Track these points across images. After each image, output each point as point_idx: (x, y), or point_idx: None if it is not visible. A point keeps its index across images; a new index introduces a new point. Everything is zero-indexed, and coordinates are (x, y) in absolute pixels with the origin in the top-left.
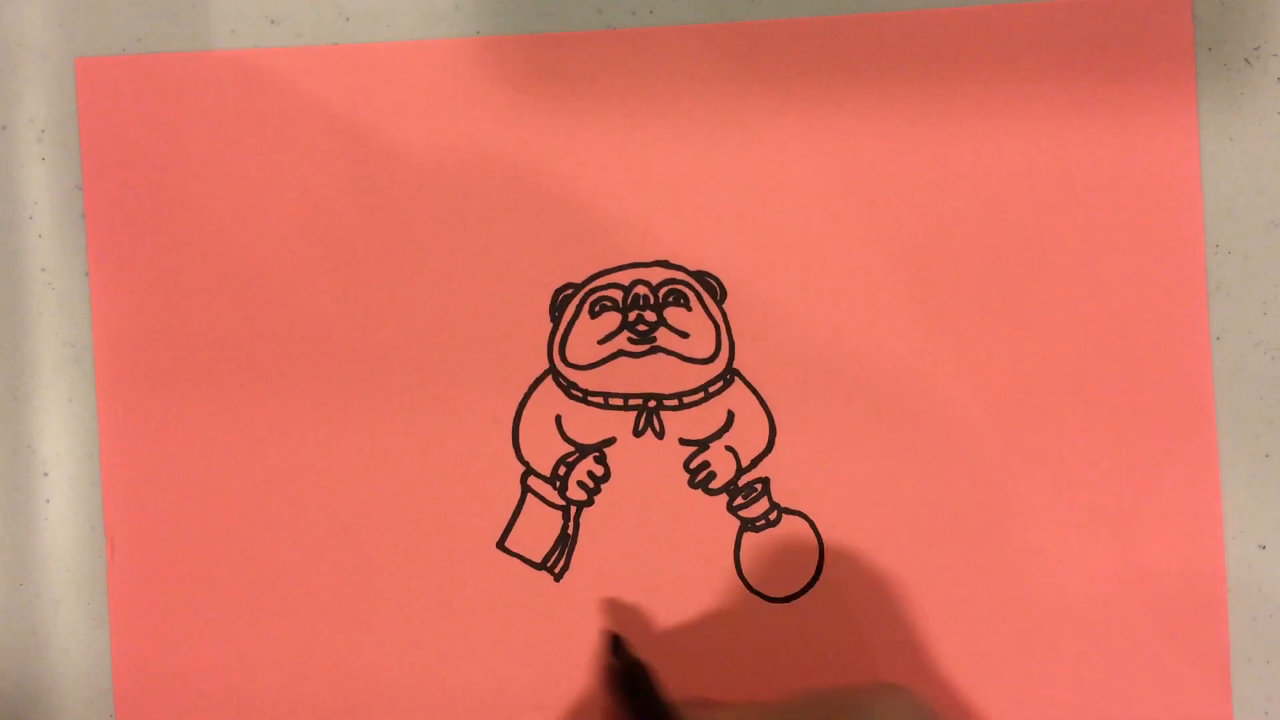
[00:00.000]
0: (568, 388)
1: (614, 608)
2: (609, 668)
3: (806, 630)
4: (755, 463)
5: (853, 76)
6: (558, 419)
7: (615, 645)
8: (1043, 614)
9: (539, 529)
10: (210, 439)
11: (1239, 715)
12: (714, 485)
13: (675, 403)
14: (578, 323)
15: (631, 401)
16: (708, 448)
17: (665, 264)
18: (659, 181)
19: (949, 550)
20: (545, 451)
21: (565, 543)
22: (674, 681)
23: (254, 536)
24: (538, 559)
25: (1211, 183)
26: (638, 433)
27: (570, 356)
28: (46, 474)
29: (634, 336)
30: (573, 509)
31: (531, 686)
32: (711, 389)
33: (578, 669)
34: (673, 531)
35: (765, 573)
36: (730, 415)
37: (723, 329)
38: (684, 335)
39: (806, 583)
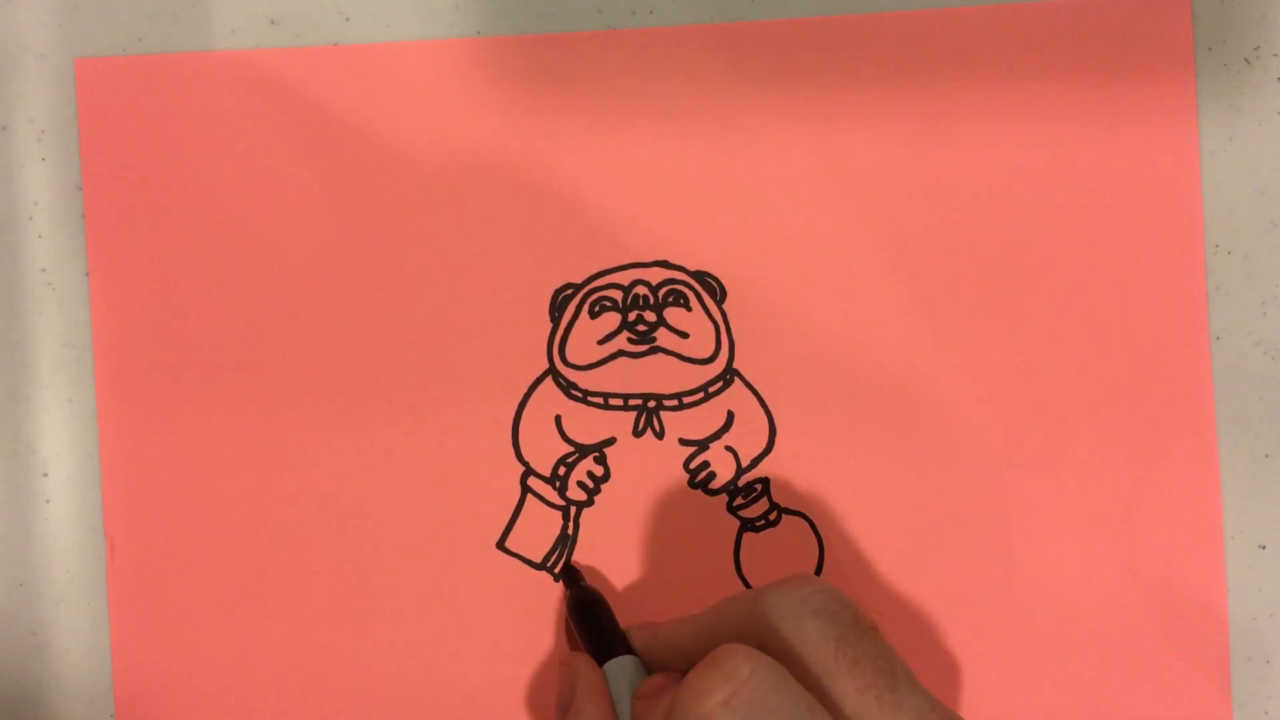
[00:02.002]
0: (567, 388)
1: (613, 607)
2: (567, 598)
3: None
4: (755, 463)
5: (853, 76)
6: (558, 419)
7: (570, 576)
8: (1042, 614)
9: (539, 529)
10: (210, 439)
11: (1239, 715)
12: (714, 485)
13: (675, 403)
14: (577, 323)
15: (631, 402)
16: (708, 448)
17: (665, 264)
18: (659, 181)
19: (949, 550)
20: (545, 452)
21: (565, 543)
22: None
23: (254, 536)
24: (538, 559)
25: (1211, 183)
26: (638, 433)
27: (570, 357)
28: (46, 474)
29: (634, 337)
30: (573, 509)
31: (531, 686)
32: (711, 389)
33: None
34: (673, 532)
35: (765, 573)
36: (730, 415)
37: (723, 329)
38: (684, 335)
39: None
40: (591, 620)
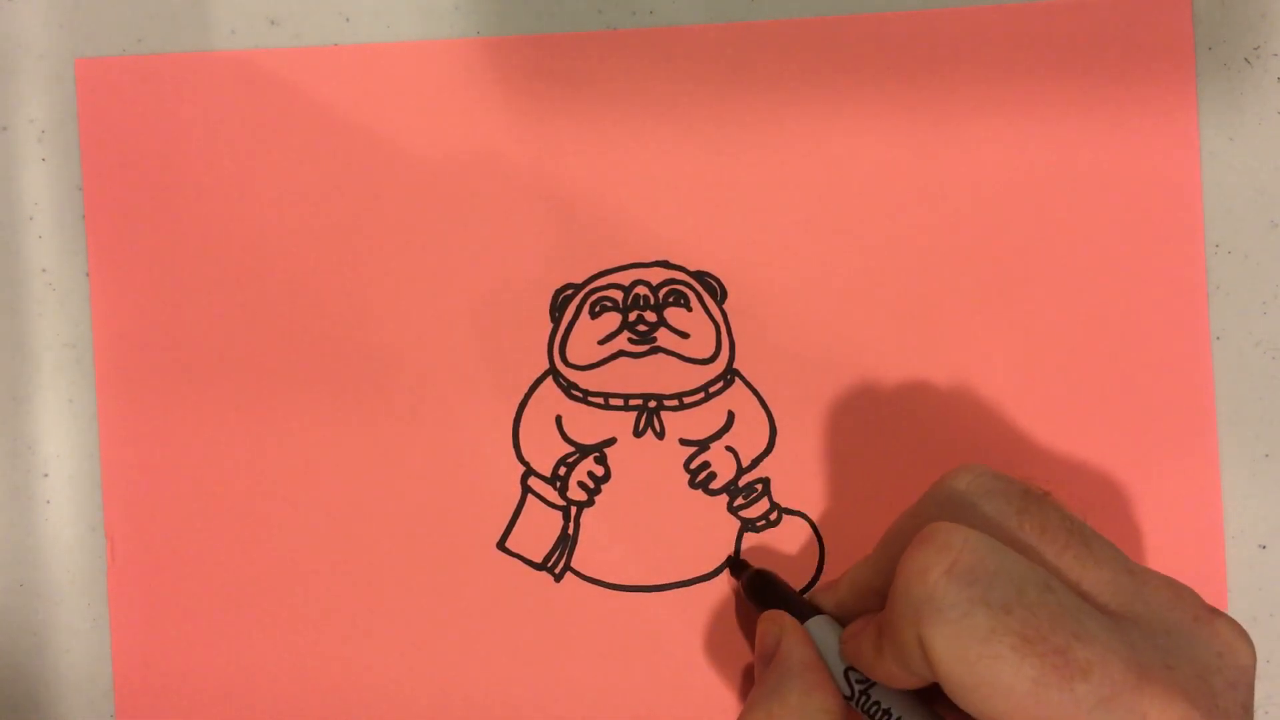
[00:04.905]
0: (568, 388)
1: (614, 608)
2: (743, 584)
3: None
4: (755, 463)
5: (853, 76)
6: (558, 419)
7: (734, 567)
8: None
9: (539, 529)
10: (210, 439)
11: None
12: (714, 486)
13: (675, 403)
14: (578, 323)
15: (632, 402)
16: (708, 448)
17: (666, 264)
18: (659, 181)
19: None
20: (545, 452)
21: (565, 543)
22: (673, 681)
23: (254, 536)
24: (538, 559)
25: (1211, 183)
26: (638, 433)
27: (570, 357)
28: (46, 474)
29: (634, 337)
30: (573, 509)
31: (531, 686)
32: (712, 389)
33: (578, 669)
34: (673, 532)
35: None
36: (730, 415)
37: (723, 329)
38: (684, 335)
39: (807, 583)
40: (774, 597)
